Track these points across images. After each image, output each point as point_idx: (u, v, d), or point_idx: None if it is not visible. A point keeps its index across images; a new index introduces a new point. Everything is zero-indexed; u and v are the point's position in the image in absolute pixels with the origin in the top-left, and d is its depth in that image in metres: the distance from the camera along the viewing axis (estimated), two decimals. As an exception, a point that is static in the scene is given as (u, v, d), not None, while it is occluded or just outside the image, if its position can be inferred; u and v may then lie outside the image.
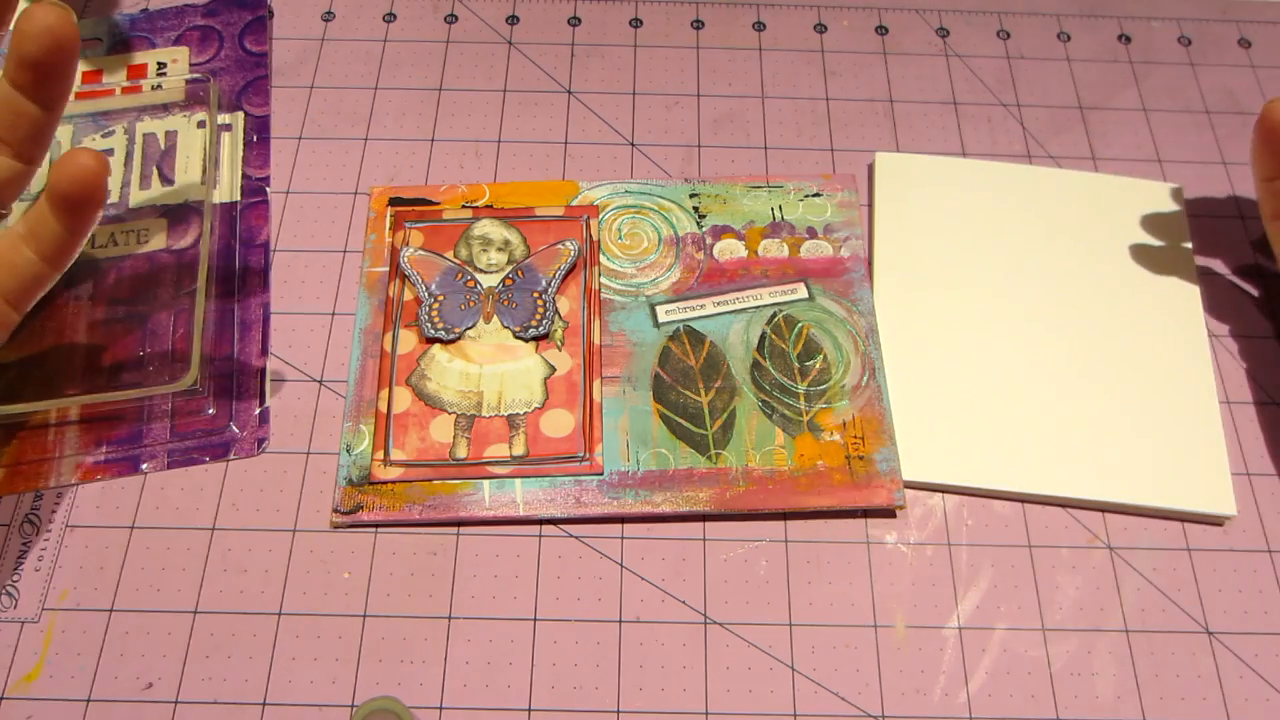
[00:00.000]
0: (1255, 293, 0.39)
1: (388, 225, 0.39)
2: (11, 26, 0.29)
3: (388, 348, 0.36)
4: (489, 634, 0.32)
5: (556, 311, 0.37)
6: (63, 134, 0.40)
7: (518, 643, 0.32)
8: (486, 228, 0.39)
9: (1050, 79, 0.44)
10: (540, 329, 0.36)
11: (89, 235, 0.31)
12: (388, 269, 0.38)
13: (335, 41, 0.44)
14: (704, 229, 0.39)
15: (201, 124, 0.41)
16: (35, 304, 0.31)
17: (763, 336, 0.37)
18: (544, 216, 0.39)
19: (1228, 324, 0.38)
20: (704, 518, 0.34)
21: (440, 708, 0.31)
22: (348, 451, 0.34)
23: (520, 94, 0.43)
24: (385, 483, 0.34)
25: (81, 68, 0.42)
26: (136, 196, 0.39)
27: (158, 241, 0.38)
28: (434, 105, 0.43)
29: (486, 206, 0.39)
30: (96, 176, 0.29)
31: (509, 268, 0.38)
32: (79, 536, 0.33)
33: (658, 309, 0.37)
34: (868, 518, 0.34)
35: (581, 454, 0.34)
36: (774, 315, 0.37)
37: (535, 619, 0.32)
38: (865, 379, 0.36)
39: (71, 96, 0.41)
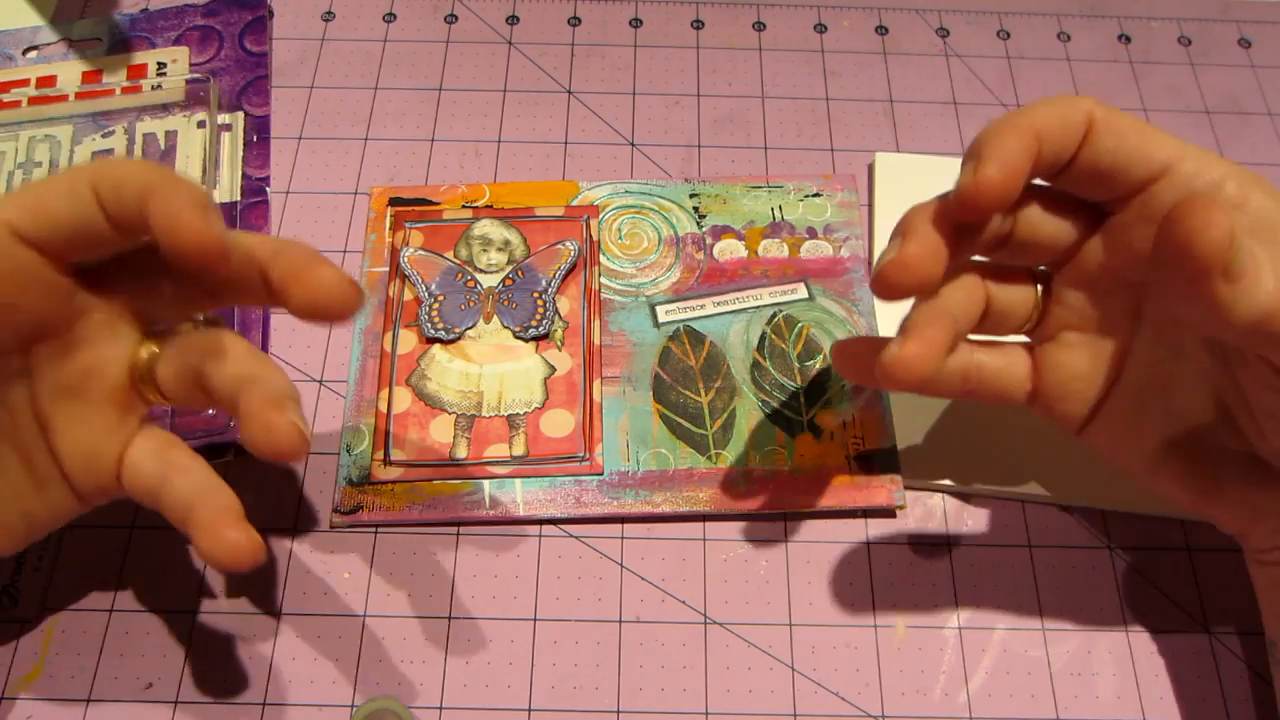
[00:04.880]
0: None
1: (388, 225, 0.39)
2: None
3: (388, 348, 0.36)
4: (489, 634, 0.32)
5: (556, 311, 0.37)
6: (63, 134, 0.40)
7: (518, 643, 0.32)
8: (486, 228, 0.39)
9: (1050, 79, 0.44)
10: (540, 329, 0.36)
11: None
12: (388, 269, 0.38)
13: (335, 41, 0.44)
14: (704, 229, 0.39)
15: (201, 124, 0.41)
16: None
17: (763, 336, 0.37)
18: (544, 216, 0.39)
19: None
20: (704, 518, 0.34)
21: (440, 708, 0.31)
22: (348, 451, 0.34)
23: (520, 94, 0.43)
24: (385, 483, 0.34)
25: (81, 68, 0.42)
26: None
27: (158, 241, 0.38)
28: (434, 105, 0.43)
29: (486, 206, 0.39)
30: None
31: (509, 268, 0.38)
32: (79, 536, 0.33)
33: (658, 309, 0.37)
34: (868, 518, 0.34)
35: (581, 454, 0.34)
36: (774, 315, 0.37)
37: (535, 619, 0.32)
38: (865, 379, 0.36)
39: (72, 98, 0.41)
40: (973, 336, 0.30)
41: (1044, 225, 0.27)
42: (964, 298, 0.28)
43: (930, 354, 0.26)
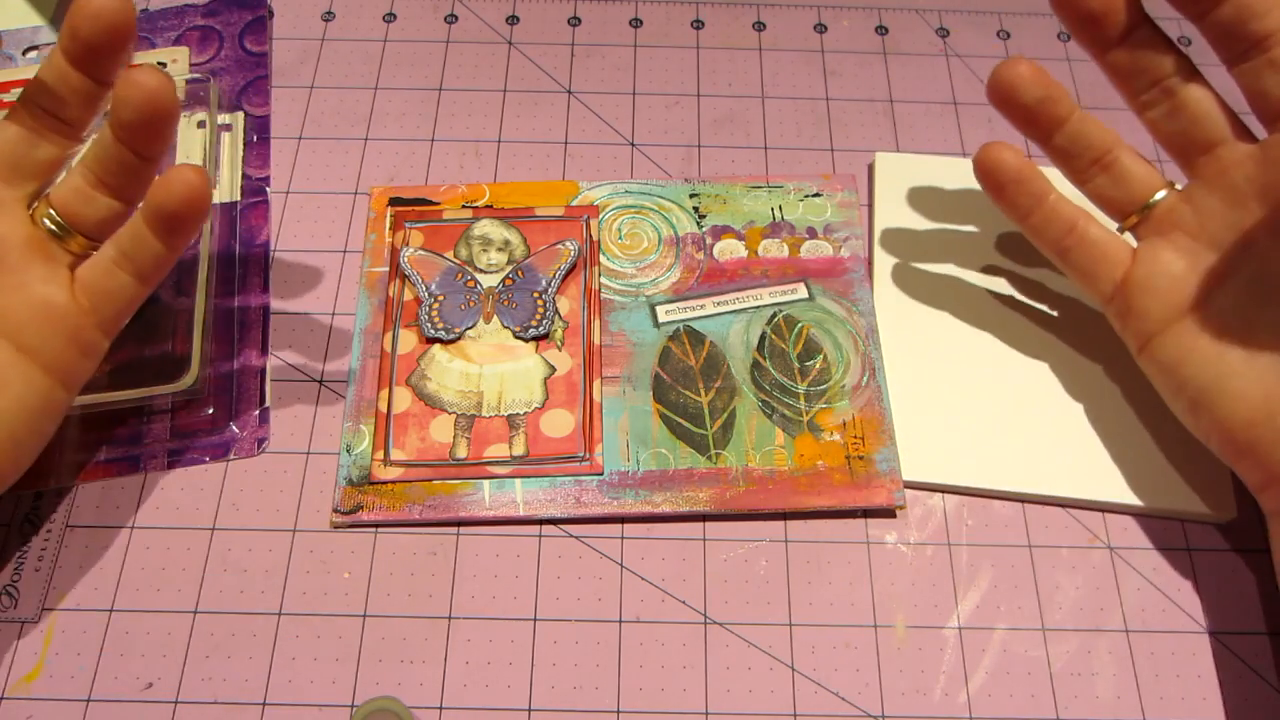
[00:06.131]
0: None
1: (388, 225, 0.39)
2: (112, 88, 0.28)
3: (388, 348, 0.36)
4: (489, 634, 0.32)
5: (556, 311, 0.37)
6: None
7: (518, 643, 0.32)
8: (486, 228, 0.39)
9: (1050, 79, 0.44)
10: (540, 329, 0.36)
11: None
12: (388, 269, 0.38)
13: (335, 41, 0.44)
14: (704, 229, 0.39)
15: (201, 124, 0.41)
16: None
17: (763, 336, 0.37)
18: (544, 216, 0.39)
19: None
20: (704, 518, 0.34)
21: (440, 708, 0.31)
22: (348, 451, 0.34)
23: (520, 94, 0.43)
24: (385, 483, 0.34)
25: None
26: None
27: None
28: (434, 105, 0.43)
29: (486, 206, 0.39)
30: (203, 192, 0.29)
31: (509, 268, 0.38)
32: (79, 536, 0.33)
33: (658, 309, 0.37)
34: (868, 518, 0.34)
35: (581, 454, 0.34)
36: (774, 315, 0.37)
37: (535, 619, 0.32)
38: (865, 379, 0.36)
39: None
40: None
41: (1202, 102, 0.30)
42: (1098, 126, 0.32)
43: (1042, 76, 0.32)
